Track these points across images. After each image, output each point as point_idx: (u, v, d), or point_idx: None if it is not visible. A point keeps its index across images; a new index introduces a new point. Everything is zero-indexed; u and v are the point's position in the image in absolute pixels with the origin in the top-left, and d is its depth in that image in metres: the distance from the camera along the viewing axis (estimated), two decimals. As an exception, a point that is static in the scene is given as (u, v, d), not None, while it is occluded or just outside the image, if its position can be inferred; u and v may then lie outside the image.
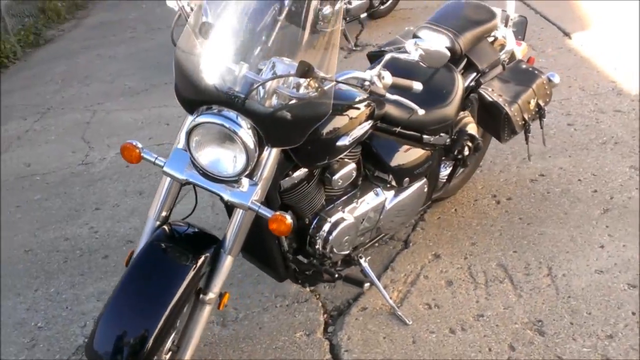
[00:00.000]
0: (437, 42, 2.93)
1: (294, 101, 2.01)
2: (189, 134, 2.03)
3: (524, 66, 3.11)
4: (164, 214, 2.26)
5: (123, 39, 7.20)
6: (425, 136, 2.76)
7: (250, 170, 2.05)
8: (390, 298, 2.79)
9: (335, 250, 2.50)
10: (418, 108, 2.41)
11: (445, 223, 3.27)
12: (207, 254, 2.11)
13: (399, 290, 2.86)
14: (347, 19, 6.09)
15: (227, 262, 2.16)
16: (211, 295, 2.18)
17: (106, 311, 2.01)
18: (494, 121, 2.93)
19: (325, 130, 2.21)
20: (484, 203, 3.38)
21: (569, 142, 3.83)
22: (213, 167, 2.06)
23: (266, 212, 2.04)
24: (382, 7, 6.48)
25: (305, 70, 1.87)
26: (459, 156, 3.10)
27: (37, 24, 7.95)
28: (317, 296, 2.90)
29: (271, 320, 2.78)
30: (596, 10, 5.85)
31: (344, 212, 2.54)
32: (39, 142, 4.93)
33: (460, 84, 2.87)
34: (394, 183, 2.69)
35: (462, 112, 3.15)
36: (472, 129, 3.14)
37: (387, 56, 2.20)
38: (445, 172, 3.28)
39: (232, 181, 2.07)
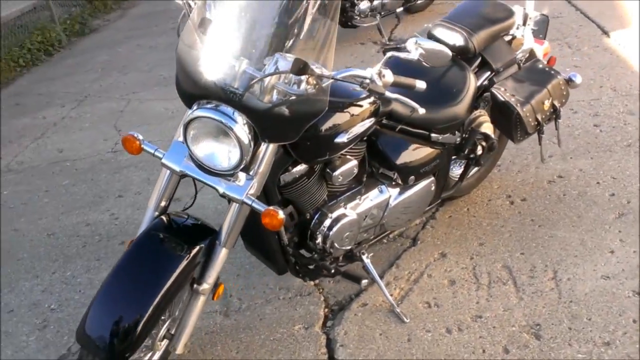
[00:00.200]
0: (451, 38, 2.94)
1: (292, 97, 2.03)
2: (186, 127, 2.08)
3: (540, 66, 3.05)
4: (162, 204, 2.32)
5: (165, 29, 7.34)
6: (433, 134, 2.75)
7: (246, 164, 2.09)
8: (392, 295, 2.80)
9: (336, 245, 2.52)
10: (418, 107, 2.39)
11: (455, 222, 3.25)
12: (202, 245, 2.16)
13: (401, 287, 2.86)
14: (382, 13, 6.09)
15: (221, 254, 2.21)
16: (205, 285, 2.23)
17: (98, 296, 2.08)
18: (506, 121, 2.90)
19: (324, 127, 2.22)
20: (498, 203, 3.34)
21: (593, 143, 3.75)
22: (209, 160, 2.11)
23: (259, 207, 2.07)
24: (419, 2, 6.43)
25: (300, 68, 1.89)
26: (472, 155, 3.08)
27: (84, 13, 8.18)
28: (321, 290, 2.92)
29: (272, 312, 2.82)
30: (638, 9, 5.69)
31: (346, 208, 2.56)
32: (73, 129, 5.08)
33: (472, 82, 2.85)
34: (399, 181, 2.69)
35: (477, 111, 3.12)
36: (487, 128, 3.11)
37: (388, 54, 2.19)
38: (458, 171, 3.26)
39: (228, 175, 2.11)
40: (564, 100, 3.01)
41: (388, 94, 2.25)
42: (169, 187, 2.30)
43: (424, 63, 2.22)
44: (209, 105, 2.04)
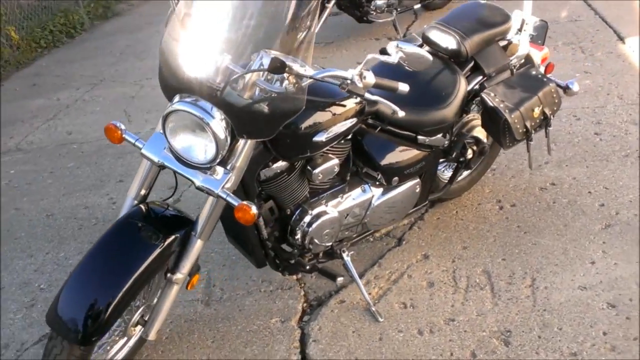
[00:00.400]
0: (444, 41, 2.95)
1: (273, 95, 2.06)
2: (164, 119, 2.13)
3: (533, 73, 3.05)
4: (142, 192, 2.37)
5: (186, 16, 7.39)
6: (420, 136, 2.76)
7: (224, 158, 2.13)
8: (370, 294, 2.83)
9: (315, 241, 2.56)
10: (398, 110, 2.42)
11: (443, 224, 3.27)
12: (178, 235, 2.21)
13: (380, 286, 2.90)
14: (399, 9, 6.07)
15: (197, 245, 2.26)
16: (179, 275, 2.28)
17: (70, 280, 2.14)
18: (495, 127, 2.89)
19: (303, 125, 2.25)
20: (487, 207, 3.35)
21: (591, 151, 3.73)
22: (186, 152, 2.15)
23: (233, 201, 2.10)
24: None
25: (277, 66, 1.93)
26: (461, 159, 3.10)
27: (109, -3, 8.28)
28: (302, 285, 2.97)
29: (252, 304, 2.88)
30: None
31: (327, 205, 2.59)
32: (84, 112, 5.18)
33: (462, 86, 2.85)
34: (383, 181, 2.71)
35: (470, 115, 3.14)
36: (479, 132, 3.12)
37: (369, 56, 2.21)
38: (448, 173, 3.28)
39: (205, 168, 2.16)
40: (555, 108, 3.00)
41: (368, 95, 2.27)
42: (149, 176, 2.36)
43: (406, 67, 2.23)
44: (188, 99, 2.08)
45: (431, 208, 3.38)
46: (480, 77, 2.98)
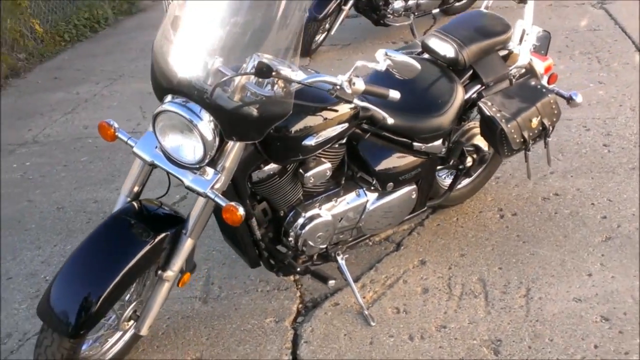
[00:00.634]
0: (443, 49, 2.96)
1: (262, 98, 2.10)
2: (154, 118, 2.18)
3: (532, 83, 3.04)
4: (135, 189, 2.43)
5: (209, 14, 7.47)
6: (416, 143, 2.78)
7: (214, 159, 2.17)
8: (364, 298, 2.86)
9: (309, 244, 2.58)
10: (387, 117, 2.46)
11: (442, 231, 3.28)
12: (168, 233, 2.26)
13: (375, 290, 2.92)
14: (417, 13, 6.08)
15: (187, 244, 2.30)
16: (169, 272, 2.33)
17: (60, 273, 2.20)
18: (492, 136, 2.90)
19: (293, 128, 2.27)
20: (488, 216, 3.36)
21: (598, 163, 3.71)
22: (175, 152, 2.19)
23: (221, 201, 2.14)
24: (457, 4, 6.37)
25: (262, 70, 1.97)
26: (460, 166, 3.11)
27: (134, -8, 8.40)
28: (299, 286, 3.00)
29: (248, 303, 2.92)
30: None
31: (320, 208, 2.61)
32: (102, 107, 5.28)
33: (460, 95, 2.86)
34: (378, 186, 2.73)
35: (470, 123, 3.15)
36: (480, 140, 3.13)
37: (357, 63, 2.23)
38: (448, 180, 3.29)
39: (194, 168, 2.20)
40: (554, 119, 2.99)
41: (357, 101, 2.31)
42: (142, 175, 2.42)
43: (396, 75, 2.26)
44: (177, 100, 2.13)
45: (432, 214, 3.39)
46: (479, 86, 2.98)
